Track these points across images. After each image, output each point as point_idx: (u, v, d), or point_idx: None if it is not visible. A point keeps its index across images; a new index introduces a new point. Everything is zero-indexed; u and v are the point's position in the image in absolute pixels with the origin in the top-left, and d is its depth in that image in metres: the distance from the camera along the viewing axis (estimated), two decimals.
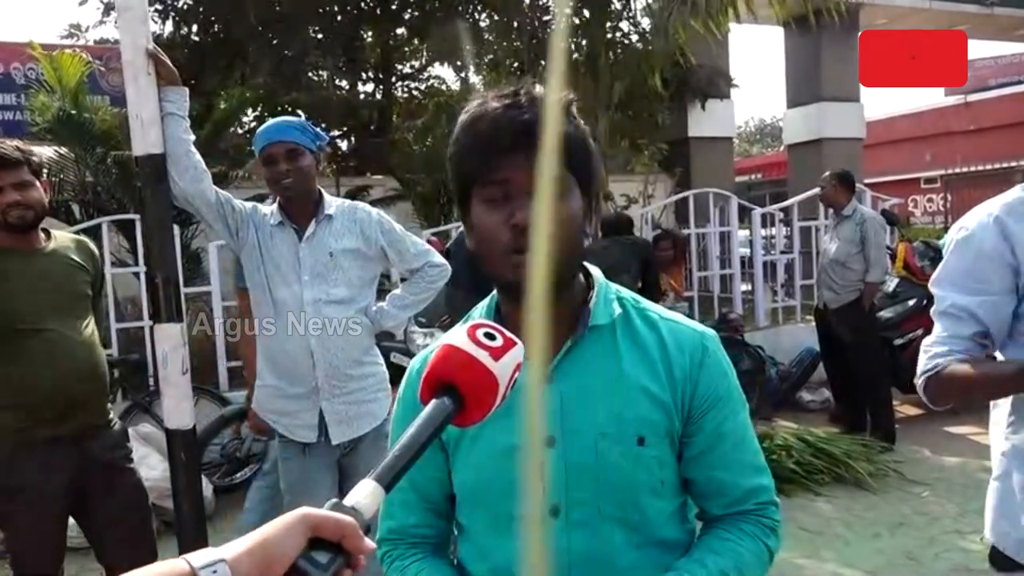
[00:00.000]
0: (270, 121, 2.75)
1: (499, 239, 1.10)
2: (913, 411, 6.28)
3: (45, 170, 6.20)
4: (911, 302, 6.20)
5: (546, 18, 9.61)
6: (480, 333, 0.83)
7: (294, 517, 0.65)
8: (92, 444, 2.58)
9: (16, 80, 9.32)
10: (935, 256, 5.90)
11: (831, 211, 5.88)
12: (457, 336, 0.83)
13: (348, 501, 0.68)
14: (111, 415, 2.71)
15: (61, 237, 2.68)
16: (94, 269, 2.69)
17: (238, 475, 5.10)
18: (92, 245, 2.76)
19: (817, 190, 5.95)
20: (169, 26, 10.52)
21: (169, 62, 2.39)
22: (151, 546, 2.71)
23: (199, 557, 0.62)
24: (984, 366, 1.51)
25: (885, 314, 6.12)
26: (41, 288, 2.51)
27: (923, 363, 1.58)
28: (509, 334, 0.85)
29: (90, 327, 2.63)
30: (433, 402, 0.79)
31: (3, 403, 2.50)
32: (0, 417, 2.51)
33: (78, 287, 2.61)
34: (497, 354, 0.81)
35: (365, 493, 0.69)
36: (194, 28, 10.55)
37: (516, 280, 1.10)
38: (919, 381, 1.59)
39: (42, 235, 2.60)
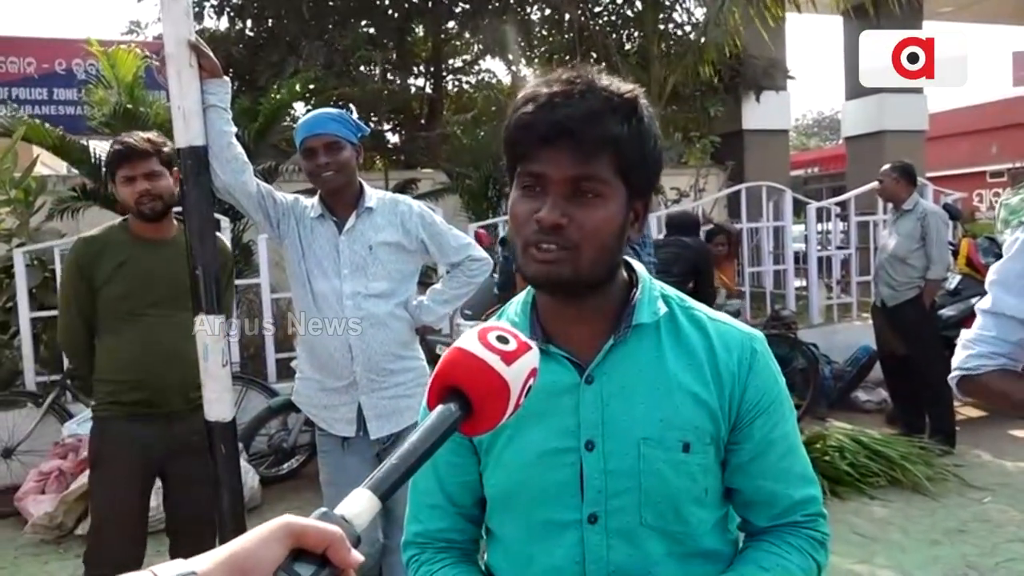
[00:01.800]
0: (309, 114, 2.74)
1: (524, 230, 1.06)
2: (975, 413, 6.05)
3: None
4: (974, 300, 5.91)
5: (597, 10, 9.51)
6: (492, 336, 0.78)
7: (274, 525, 0.61)
8: (179, 427, 2.69)
9: (77, 76, 9.55)
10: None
11: (890, 205, 5.68)
12: (468, 339, 0.78)
13: (339, 510, 0.63)
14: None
15: None
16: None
17: (284, 466, 5.15)
18: (224, 240, 2.91)
19: (875, 184, 5.76)
20: (224, 22, 10.72)
21: (211, 54, 2.39)
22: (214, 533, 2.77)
23: (167, 569, 0.58)
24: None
25: (946, 312, 5.89)
26: (155, 275, 2.68)
27: (961, 358, 1.50)
28: (524, 338, 0.80)
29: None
30: (438, 408, 0.74)
31: (102, 376, 2.72)
32: (98, 387, 2.74)
33: None
34: (509, 358, 0.76)
35: (358, 503, 0.64)
36: (248, 23, 10.70)
37: (533, 275, 1.07)
38: (953, 375, 1.51)
39: (175, 226, 2.75)
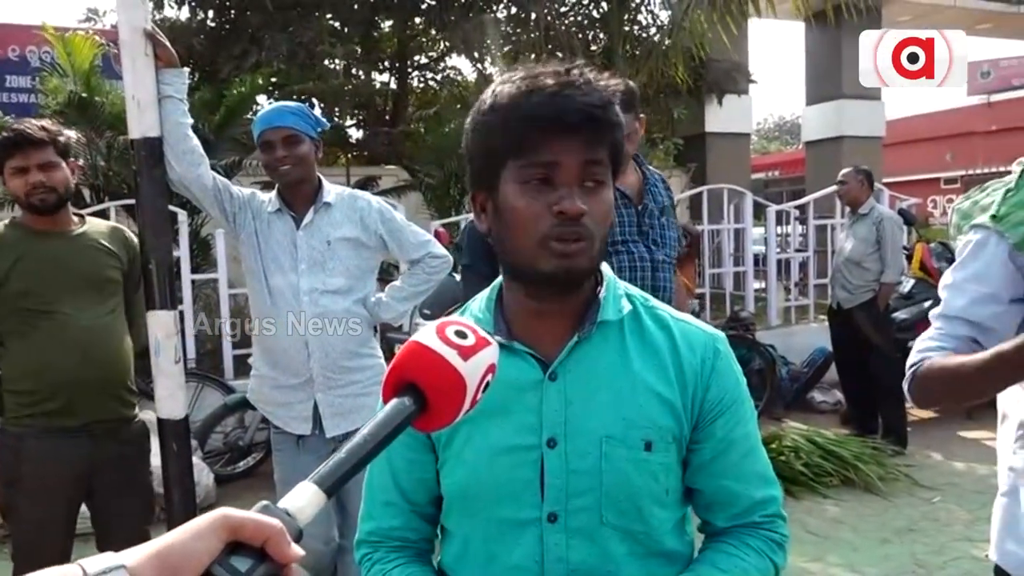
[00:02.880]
0: (268, 106, 2.70)
1: (539, 225, 1.03)
2: (926, 414, 6.15)
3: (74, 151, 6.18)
4: (927, 304, 6.08)
5: (563, 10, 9.53)
6: (450, 331, 0.76)
7: (210, 518, 0.58)
8: (106, 439, 2.51)
9: (31, 63, 9.32)
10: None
11: (848, 210, 5.79)
12: (425, 333, 0.77)
13: (283, 504, 0.61)
14: (135, 410, 2.62)
15: (95, 223, 2.65)
16: (127, 256, 2.61)
17: (240, 464, 5.08)
18: (129, 233, 2.69)
19: (834, 188, 5.85)
20: (185, 12, 10.52)
21: (167, 43, 2.34)
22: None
23: (95, 563, 0.55)
24: (965, 356, 1.38)
25: (900, 315, 6.02)
26: (58, 269, 2.46)
27: (910, 359, 1.49)
28: (483, 333, 0.79)
29: (113, 314, 2.56)
30: (392, 402, 0.73)
31: (11, 387, 2.48)
32: (10, 399, 2.48)
33: (102, 271, 2.55)
34: (467, 353, 0.75)
35: (303, 496, 0.62)
36: (210, 14, 10.52)
37: (553, 271, 1.05)
38: (906, 380, 1.49)
39: (74, 219, 2.57)
